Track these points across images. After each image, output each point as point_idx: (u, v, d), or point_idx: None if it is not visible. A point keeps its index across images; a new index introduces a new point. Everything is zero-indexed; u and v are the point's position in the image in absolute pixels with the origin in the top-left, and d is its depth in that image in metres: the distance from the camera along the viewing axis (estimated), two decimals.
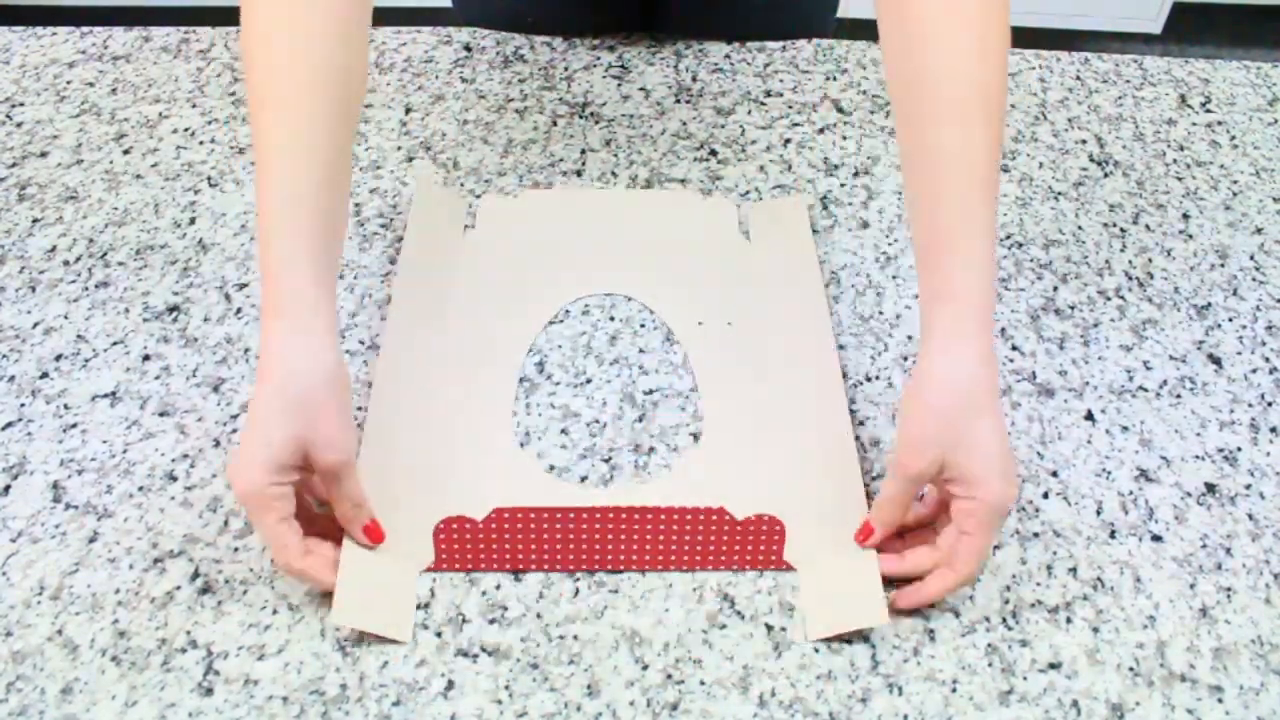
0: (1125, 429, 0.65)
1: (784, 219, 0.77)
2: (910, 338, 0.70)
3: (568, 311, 0.71)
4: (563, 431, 0.64)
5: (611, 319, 0.71)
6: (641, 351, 0.69)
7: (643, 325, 0.70)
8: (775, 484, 0.60)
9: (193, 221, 0.77)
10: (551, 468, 0.62)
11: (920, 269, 0.55)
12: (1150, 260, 0.76)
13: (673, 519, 0.57)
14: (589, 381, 0.67)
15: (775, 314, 0.70)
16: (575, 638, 0.55)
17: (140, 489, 0.61)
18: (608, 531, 0.57)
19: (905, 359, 0.68)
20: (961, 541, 0.53)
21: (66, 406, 0.65)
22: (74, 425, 0.64)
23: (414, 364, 0.66)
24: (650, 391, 0.66)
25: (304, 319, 0.52)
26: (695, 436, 0.64)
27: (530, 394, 0.66)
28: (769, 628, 0.55)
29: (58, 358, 0.68)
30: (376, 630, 0.54)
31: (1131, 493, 0.62)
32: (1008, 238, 0.77)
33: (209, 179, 0.81)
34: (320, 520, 0.56)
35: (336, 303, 0.57)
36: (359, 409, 0.64)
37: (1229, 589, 0.57)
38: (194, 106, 0.87)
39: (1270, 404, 0.67)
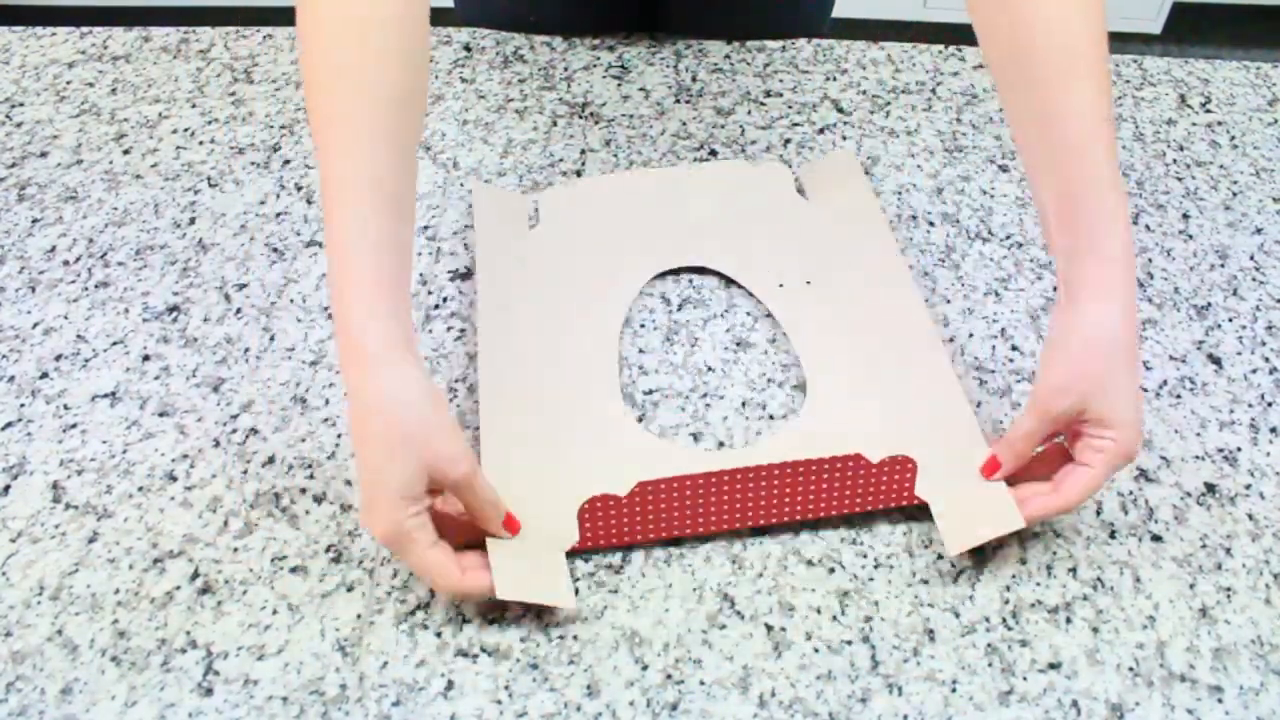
0: None
1: (838, 173, 0.80)
2: None
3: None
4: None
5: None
6: (641, 352, 0.69)
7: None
8: (889, 425, 0.62)
9: (192, 222, 0.77)
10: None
11: (1057, 227, 0.56)
12: (1150, 260, 0.76)
13: (810, 470, 0.59)
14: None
15: (851, 265, 0.73)
16: (575, 638, 0.55)
17: (140, 489, 0.61)
18: (748, 490, 0.59)
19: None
20: (1076, 471, 0.56)
21: (66, 407, 0.65)
22: (74, 425, 0.64)
23: (513, 362, 0.66)
24: (650, 391, 0.66)
25: (396, 352, 0.51)
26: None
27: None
28: (769, 628, 0.55)
29: (57, 358, 0.68)
30: (541, 600, 0.54)
31: (1131, 493, 0.62)
32: (1008, 237, 0.77)
33: (209, 179, 0.81)
34: (449, 521, 0.56)
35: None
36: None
37: (1229, 589, 0.57)
38: (194, 107, 0.88)
39: (1270, 404, 0.67)
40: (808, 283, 0.72)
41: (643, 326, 0.70)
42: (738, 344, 0.69)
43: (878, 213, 0.76)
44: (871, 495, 0.59)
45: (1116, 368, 0.54)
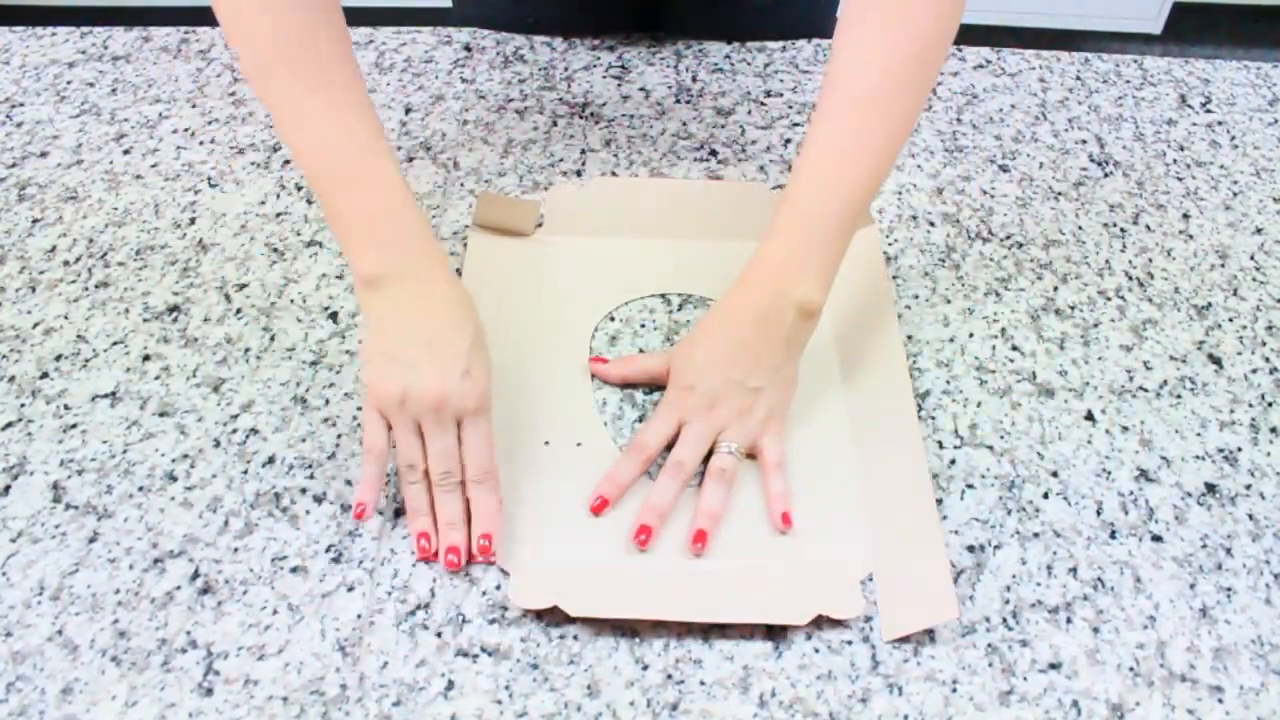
0: (1125, 429, 0.65)
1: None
2: (910, 337, 0.70)
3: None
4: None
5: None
6: (642, 352, 0.69)
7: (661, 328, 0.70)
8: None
9: (193, 222, 0.77)
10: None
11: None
12: (1150, 260, 0.76)
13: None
14: (591, 379, 0.67)
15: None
16: (575, 638, 0.55)
17: (140, 489, 0.61)
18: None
19: (905, 358, 0.68)
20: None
21: (66, 407, 0.65)
22: (74, 425, 0.64)
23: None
24: (651, 392, 0.66)
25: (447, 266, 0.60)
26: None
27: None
28: (769, 628, 0.55)
29: (58, 358, 0.68)
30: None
31: (1132, 493, 0.62)
32: (1008, 237, 0.77)
33: (209, 179, 0.81)
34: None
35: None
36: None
37: (1229, 589, 0.57)
38: (194, 107, 0.88)
39: (1270, 404, 0.67)
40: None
41: (643, 326, 0.70)
42: None
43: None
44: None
45: (703, 347, 0.63)
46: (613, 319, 0.70)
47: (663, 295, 0.72)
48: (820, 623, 0.55)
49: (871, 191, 0.62)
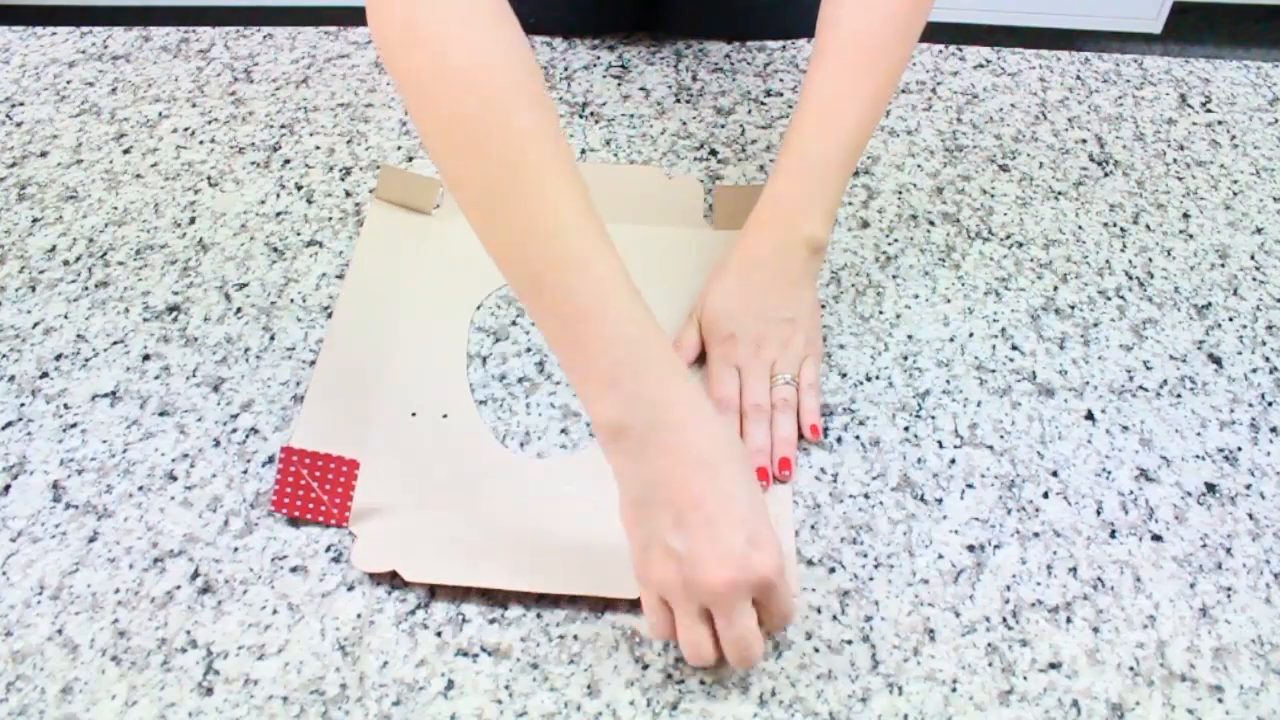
0: (1125, 429, 0.65)
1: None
2: (910, 337, 0.70)
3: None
4: (562, 431, 0.64)
5: None
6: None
7: None
8: None
9: (193, 221, 0.77)
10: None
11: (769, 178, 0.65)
12: (1150, 260, 0.76)
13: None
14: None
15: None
16: (575, 637, 0.55)
17: (140, 489, 0.61)
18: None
19: (905, 358, 0.68)
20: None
21: (66, 406, 0.65)
22: (74, 425, 0.64)
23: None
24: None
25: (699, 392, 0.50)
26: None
27: (530, 394, 0.66)
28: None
29: (57, 357, 0.68)
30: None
31: (1131, 492, 0.62)
32: (1008, 237, 0.77)
33: (209, 179, 0.81)
34: None
35: None
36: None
37: (1229, 589, 0.57)
38: (194, 106, 0.87)
39: (1270, 404, 0.67)
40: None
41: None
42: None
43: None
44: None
45: (721, 287, 0.64)
46: (496, 301, 0.71)
47: None
48: (820, 622, 0.55)
49: (868, 134, 0.64)
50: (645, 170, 0.81)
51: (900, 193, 0.80)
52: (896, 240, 0.76)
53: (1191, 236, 0.78)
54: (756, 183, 0.80)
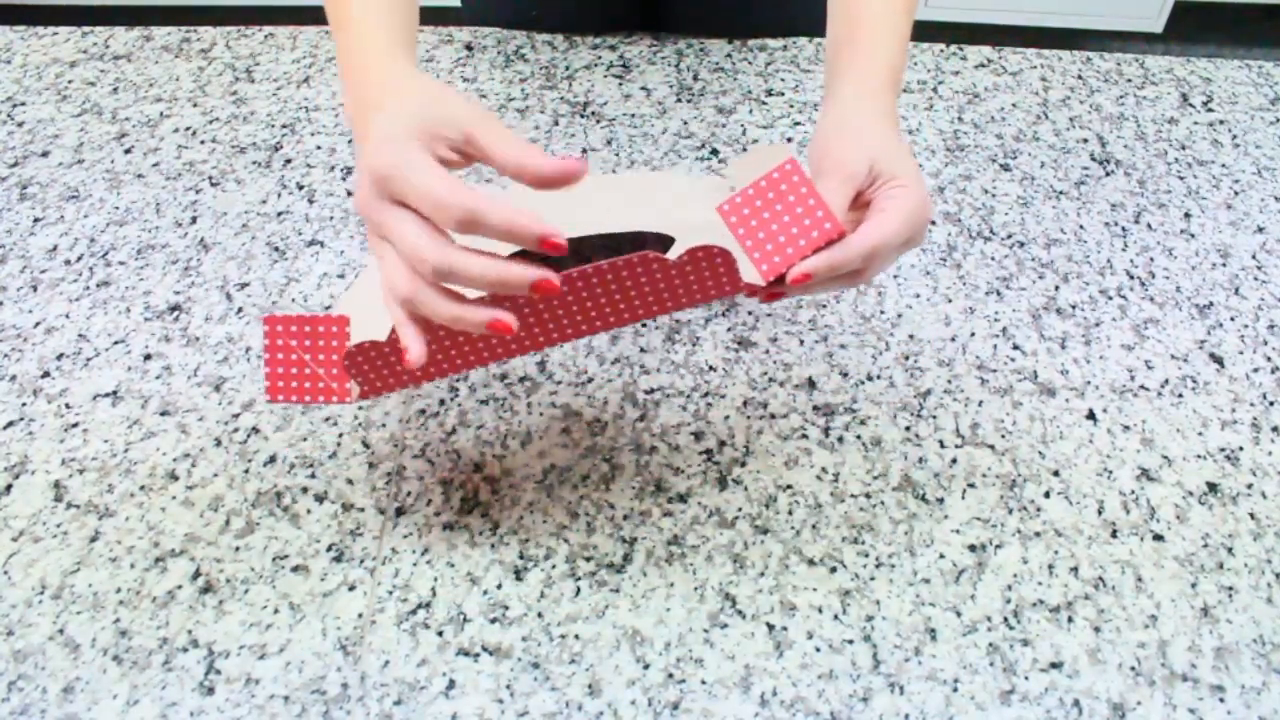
0: (1127, 428, 0.65)
1: (766, 163, 0.70)
2: (912, 336, 0.70)
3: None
4: (564, 431, 0.64)
5: None
6: (643, 351, 0.69)
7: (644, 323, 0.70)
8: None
9: (194, 221, 0.77)
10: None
11: (832, 54, 0.59)
12: (1152, 259, 0.76)
13: (613, 275, 0.49)
14: (590, 381, 0.67)
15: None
16: (576, 637, 0.55)
17: (142, 488, 0.61)
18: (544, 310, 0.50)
19: (907, 358, 0.68)
20: (872, 218, 0.51)
21: (68, 406, 0.65)
22: (75, 424, 0.64)
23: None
24: (651, 391, 0.66)
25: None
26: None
27: (531, 393, 0.66)
28: (770, 627, 0.55)
29: (59, 357, 0.68)
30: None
31: (1133, 492, 0.62)
32: (1009, 236, 0.77)
33: (210, 178, 0.81)
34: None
35: None
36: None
37: (1231, 588, 0.57)
38: (195, 106, 0.88)
39: (1272, 403, 0.67)
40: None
41: (644, 325, 0.70)
42: (739, 343, 0.69)
43: None
44: (685, 292, 0.51)
45: (892, 136, 0.53)
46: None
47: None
48: (822, 622, 0.55)
49: (907, 50, 0.60)
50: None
51: None
52: None
53: (1193, 236, 0.78)
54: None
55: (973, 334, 0.70)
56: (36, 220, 0.77)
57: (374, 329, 0.53)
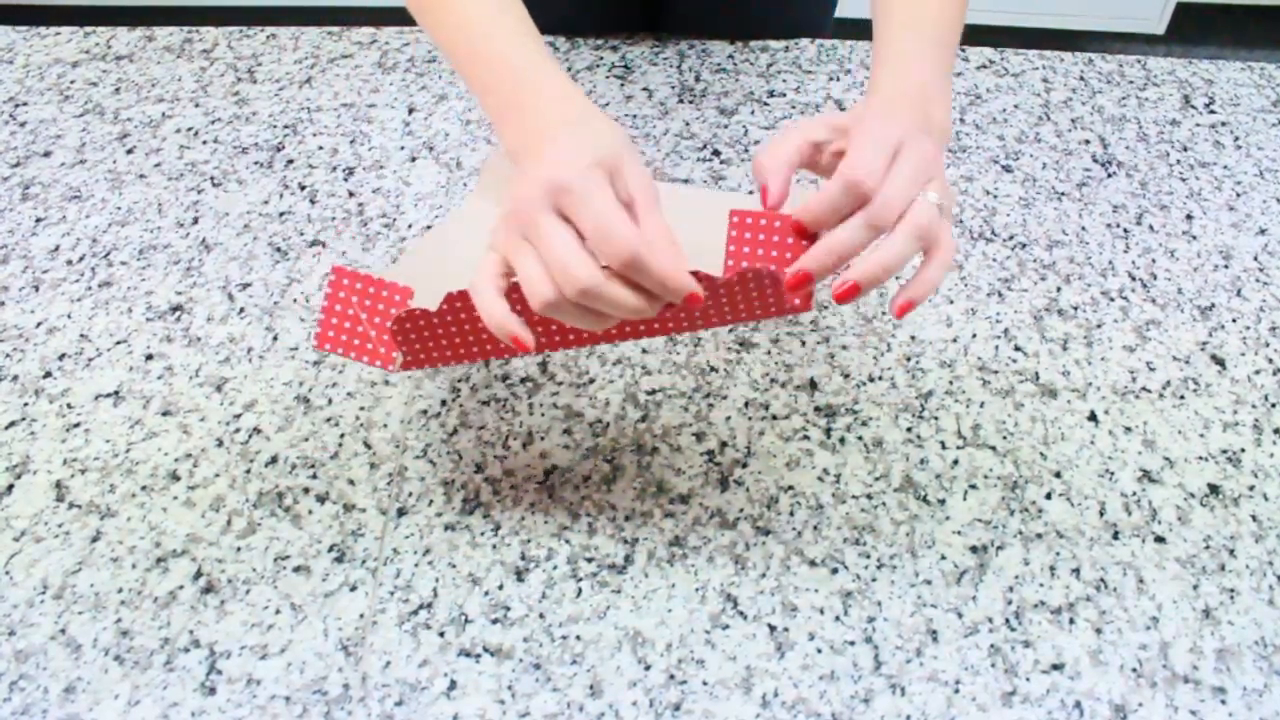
0: (1128, 430, 0.65)
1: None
2: (913, 338, 0.70)
3: None
4: (565, 431, 0.64)
5: None
6: (645, 352, 0.69)
7: None
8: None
9: (196, 221, 0.77)
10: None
11: (873, 59, 0.58)
12: (1154, 261, 0.76)
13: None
14: (592, 382, 0.67)
15: None
16: (578, 638, 0.55)
17: (143, 488, 0.61)
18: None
19: (909, 359, 0.68)
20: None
21: (69, 406, 0.65)
22: (77, 425, 0.64)
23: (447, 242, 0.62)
24: (653, 392, 0.66)
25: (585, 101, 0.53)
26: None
27: (533, 394, 0.66)
28: (771, 628, 0.55)
29: (61, 357, 0.68)
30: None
31: (1135, 494, 0.62)
32: (1011, 238, 0.77)
33: (212, 179, 0.81)
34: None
35: None
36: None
37: (1232, 590, 0.57)
38: (197, 106, 0.88)
39: (1274, 405, 0.67)
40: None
41: None
42: (740, 344, 0.69)
43: None
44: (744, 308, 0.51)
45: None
46: None
47: None
48: (823, 623, 0.55)
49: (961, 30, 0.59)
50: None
51: None
52: None
53: (1195, 237, 0.78)
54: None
55: (974, 335, 0.70)
56: (39, 220, 0.77)
57: (428, 293, 0.53)
